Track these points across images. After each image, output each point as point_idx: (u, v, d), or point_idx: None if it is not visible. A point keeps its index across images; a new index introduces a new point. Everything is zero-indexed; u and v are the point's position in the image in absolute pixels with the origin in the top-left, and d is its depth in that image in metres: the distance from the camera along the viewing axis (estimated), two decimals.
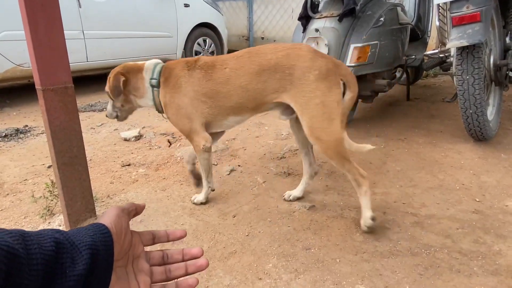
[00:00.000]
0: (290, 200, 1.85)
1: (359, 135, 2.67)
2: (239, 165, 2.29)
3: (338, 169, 1.75)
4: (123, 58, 4.41)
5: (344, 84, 1.58)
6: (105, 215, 0.50)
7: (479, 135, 2.20)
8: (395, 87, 3.54)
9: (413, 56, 2.91)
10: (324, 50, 2.41)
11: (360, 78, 2.68)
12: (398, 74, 2.92)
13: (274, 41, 6.46)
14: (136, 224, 1.70)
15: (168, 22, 4.90)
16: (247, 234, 1.61)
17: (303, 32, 2.61)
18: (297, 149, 2.50)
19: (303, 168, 1.86)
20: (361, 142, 2.57)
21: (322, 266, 1.38)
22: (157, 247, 1.23)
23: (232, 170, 2.22)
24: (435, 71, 4.09)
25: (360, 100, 2.96)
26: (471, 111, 2.07)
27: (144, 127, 3.08)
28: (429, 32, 3.43)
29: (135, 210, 0.56)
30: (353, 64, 2.40)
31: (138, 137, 2.87)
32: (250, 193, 1.96)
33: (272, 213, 1.75)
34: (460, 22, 1.95)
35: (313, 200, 1.85)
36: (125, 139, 2.85)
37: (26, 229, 0.40)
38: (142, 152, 2.59)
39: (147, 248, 0.57)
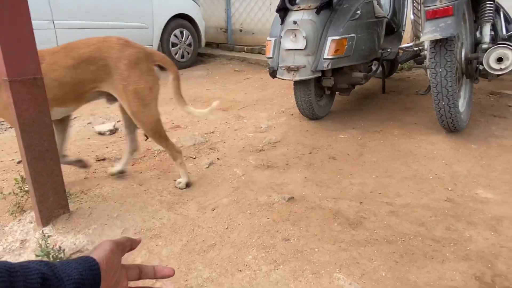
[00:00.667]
0: (113, 174, 2.01)
1: (336, 127, 2.70)
2: (218, 158, 2.28)
3: (158, 146, 2.01)
4: None
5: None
6: (99, 248, 0.49)
7: (451, 126, 2.28)
8: (371, 80, 3.60)
9: (389, 50, 2.96)
10: (302, 42, 2.42)
11: (337, 71, 2.71)
12: (374, 67, 2.97)
13: (253, 33, 6.42)
14: (112, 220, 1.66)
15: (143, 13, 4.76)
16: (226, 227, 1.60)
17: (281, 24, 2.60)
18: (277, 142, 2.51)
19: (127, 145, 2.05)
20: (339, 134, 2.62)
21: (301, 256, 1.39)
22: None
23: (211, 163, 2.20)
24: (409, 65, 4.19)
25: (337, 92, 3.00)
26: (443, 103, 2.14)
27: (119, 121, 2.99)
28: (404, 26, 3.50)
29: (131, 246, 0.55)
30: (330, 57, 2.42)
31: (113, 131, 2.79)
32: (230, 186, 1.95)
33: (251, 206, 1.75)
34: (433, 15, 2.00)
35: (292, 191, 1.86)
36: (100, 133, 2.76)
37: None
38: (117, 146, 2.52)
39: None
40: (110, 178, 2.05)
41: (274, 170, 2.11)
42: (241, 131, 2.74)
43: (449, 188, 1.81)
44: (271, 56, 2.63)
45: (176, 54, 5.20)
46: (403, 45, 2.91)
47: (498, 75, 2.27)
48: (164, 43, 5.04)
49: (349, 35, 2.46)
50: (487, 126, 2.51)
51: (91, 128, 2.89)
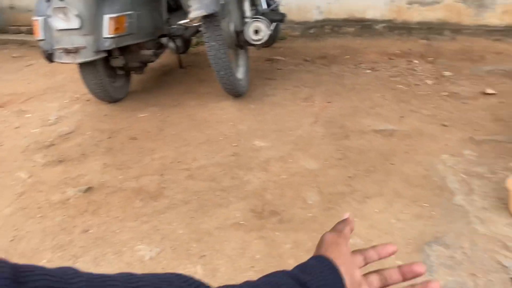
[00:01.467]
0: None
1: (136, 107, 2.69)
2: None
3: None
4: None
5: None
6: (324, 245, 0.44)
7: (234, 92, 2.63)
8: (170, 56, 3.70)
9: (174, 26, 3.08)
10: (75, 21, 2.22)
11: (126, 50, 2.65)
12: (165, 43, 3.04)
13: (29, 11, 5.39)
14: None
15: None
16: (11, 239, 1.41)
17: (47, 1, 2.30)
18: (70, 132, 2.30)
19: None
20: (139, 113, 2.62)
21: (102, 242, 1.39)
22: None
23: None
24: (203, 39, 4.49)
25: (132, 72, 2.95)
26: (222, 73, 2.43)
27: None
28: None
29: (350, 228, 0.49)
30: (112, 36, 2.33)
31: None
32: (12, 193, 1.70)
33: (42, 208, 1.59)
34: None
35: (89, 182, 1.78)
36: None
37: None
38: None
39: None
40: None
41: (68, 163, 1.94)
42: (24, 128, 2.37)
43: (234, 144, 2.12)
44: (42, 38, 2.31)
45: None
46: (182, 22, 3.07)
47: (263, 45, 2.73)
48: None
49: (128, 12, 2.42)
50: (262, 88, 3.02)
51: None
